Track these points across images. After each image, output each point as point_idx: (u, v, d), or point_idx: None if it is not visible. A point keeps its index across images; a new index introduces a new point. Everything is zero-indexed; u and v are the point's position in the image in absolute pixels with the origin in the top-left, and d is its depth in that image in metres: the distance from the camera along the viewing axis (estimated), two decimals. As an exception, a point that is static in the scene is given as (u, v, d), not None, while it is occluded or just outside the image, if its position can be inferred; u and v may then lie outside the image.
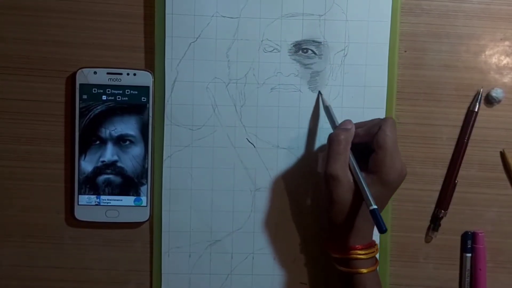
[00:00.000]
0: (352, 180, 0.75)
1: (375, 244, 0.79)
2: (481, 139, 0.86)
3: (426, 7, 0.84)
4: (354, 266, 0.76)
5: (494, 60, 0.85)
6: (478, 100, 0.84)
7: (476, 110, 0.84)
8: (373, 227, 0.77)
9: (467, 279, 0.86)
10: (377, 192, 0.74)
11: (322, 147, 0.84)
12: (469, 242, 0.86)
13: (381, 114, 0.84)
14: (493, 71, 0.85)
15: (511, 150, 0.85)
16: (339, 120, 0.80)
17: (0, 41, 0.82)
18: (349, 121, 0.79)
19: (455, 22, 0.85)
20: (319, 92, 0.83)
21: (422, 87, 0.85)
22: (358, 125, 0.79)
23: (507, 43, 0.85)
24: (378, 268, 0.78)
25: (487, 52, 0.85)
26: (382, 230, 0.71)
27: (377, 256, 0.79)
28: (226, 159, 0.84)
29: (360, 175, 0.74)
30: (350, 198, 0.75)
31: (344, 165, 0.75)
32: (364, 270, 0.76)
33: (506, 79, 0.85)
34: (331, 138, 0.76)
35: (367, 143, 0.77)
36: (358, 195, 0.74)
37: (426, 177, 0.85)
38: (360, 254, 0.76)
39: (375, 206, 0.71)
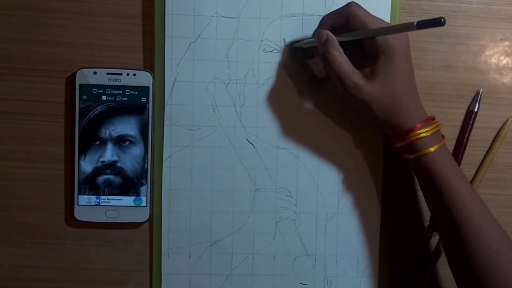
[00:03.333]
0: (364, 75, 0.74)
1: (434, 118, 0.76)
2: (481, 139, 0.86)
3: (426, 7, 0.84)
4: (420, 148, 0.73)
5: (494, 60, 0.85)
6: (478, 100, 0.84)
7: (475, 110, 0.84)
8: (420, 103, 0.76)
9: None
10: (393, 66, 0.73)
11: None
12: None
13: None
14: (493, 71, 0.85)
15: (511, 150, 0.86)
16: None
17: (0, 41, 0.82)
18: (319, 31, 0.77)
19: (455, 22, 0.85)
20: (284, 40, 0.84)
21: (422, 87, 0.84)
22: (325, 19, 0.79)
23: (506, 43, 0.85)
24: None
25: (486, 53, 0.85)
26: (440, 22, 0.61)
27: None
28: (226, 160, 0.84)
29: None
30: (377, 90, 0.73)
31: (351, 70, 0.74)
32: (432, 149, 0.73)
33: (506, 79, 0.85)
34: (325, 59, 0.75)
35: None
36: (380, 82, 0.73)
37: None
38: (422, 132, 0.73)
39: (414, 22, 0.64)
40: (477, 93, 0.85)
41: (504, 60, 0.85)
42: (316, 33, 0.77)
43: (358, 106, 0.76)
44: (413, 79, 0.76)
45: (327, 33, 0.76)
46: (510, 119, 0.85)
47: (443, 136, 0.76)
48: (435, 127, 0.74)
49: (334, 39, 0.75)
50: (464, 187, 0.73)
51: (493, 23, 0.85)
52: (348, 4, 0.76)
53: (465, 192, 0.73)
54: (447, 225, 0.74)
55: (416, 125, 0.73)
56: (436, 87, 0.85)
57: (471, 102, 0.85)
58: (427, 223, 0.86)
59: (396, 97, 0.73)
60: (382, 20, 0.75)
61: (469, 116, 0.85)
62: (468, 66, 0.85)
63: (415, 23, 0.63)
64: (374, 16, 0.75)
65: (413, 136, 0.73)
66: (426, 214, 0.86)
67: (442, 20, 0.61)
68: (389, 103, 0.73)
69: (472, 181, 0.86)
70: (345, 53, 0.75)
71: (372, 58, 0.74)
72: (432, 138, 0.74)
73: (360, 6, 0.76)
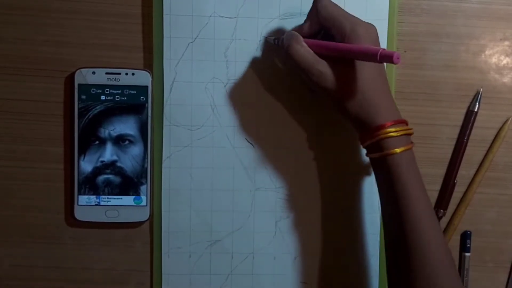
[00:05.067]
0: (335, 65, 0.72)
1: (406, 122, 0.73)
2: (481, 139, 0.85)
3: (425, 7, 0.84)
4: (385, 147, 0.71)
5: (494, 60, 0.85)
6: (478, 100, 0.84)
7: (475, 110, 0.84)
8: (394, 104, 0.74)
9: (466, 279, 0.86)
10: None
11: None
12: (468, 241, 0.86)
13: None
14: (493, 71, 0.85)
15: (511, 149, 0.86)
16: None
17: (0, 41, 0.82)
18: (288, 32, 0.77)
19: (455, 22, 0.85)
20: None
21: (422, 87, 0.85)
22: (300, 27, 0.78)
23: (506, 43, 0.85)
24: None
25: (487, 52, 0.85)
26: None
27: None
28: (225, 159, 0.84)
29: None
30: (344, 78, 0.72)
31: (316, 59, 0.73)
32: (398, 150, 0.70)
33: (506, 79, 0.85)
34: (288, 53, 0.74)
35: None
36: (347, 71, 0.72)
37: (426, 177, 0.84)
38: (392, 131, 0.71)
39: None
40: (477, 93, 0.84)
41: (504, 60, 0.85)
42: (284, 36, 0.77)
43: (325, 96, 0.74)
44: (384, 76, 0.74)
45: (291, 31, 0.77)
46: (510, 118, 0.85)
47: (412, 142, 0.73)
48: (405, 130, 0.72)
49: (297, 34, 0.75)
50: (421, 198, 0.71)
51: (493, 23, 0.85)
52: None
53: (420, 204, 0.71)
54: (395, 231, 0.72)
55: (387, 123, 0.71)
56: (436, 87, 0.85)
57: (471, 102, 0.85)
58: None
59: (366, 91, 0.72)
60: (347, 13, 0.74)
61: (469, 116, 0.85)
62: (468, 66, 0.85)
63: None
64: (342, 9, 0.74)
65: (382, 134, 0.71)
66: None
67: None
68: (359, 95, 0.72)
69: (472, 181, 0.86)
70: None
71: None
72: (401, 140, 0.71)
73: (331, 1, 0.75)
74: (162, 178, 0.84)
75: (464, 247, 0.86)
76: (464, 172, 0.86)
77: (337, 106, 0.74)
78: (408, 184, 0.71)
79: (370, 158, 0.75)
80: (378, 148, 0.72)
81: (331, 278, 0.86)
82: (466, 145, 0.85)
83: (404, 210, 0.70)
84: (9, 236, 0.85)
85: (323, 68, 0.72)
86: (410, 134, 0.73)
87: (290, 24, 0.82)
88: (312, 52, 0.74)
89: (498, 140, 0.85)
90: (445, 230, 0.86)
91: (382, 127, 0.71)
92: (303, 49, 0.74)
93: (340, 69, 0.72)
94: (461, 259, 0.86)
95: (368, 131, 0.72)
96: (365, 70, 0.71)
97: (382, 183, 0.74)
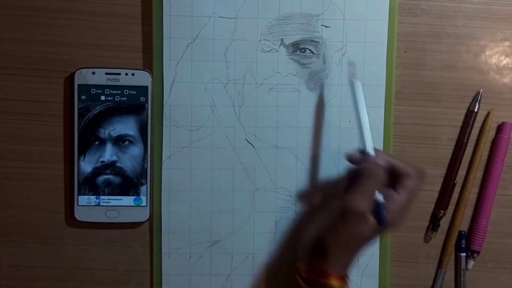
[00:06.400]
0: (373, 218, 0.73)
1: (348, 279, 0.76)
2: (481, 139, 0.85)
3: (426, 7, 0.84)
4: None
5: (494, 60, 0.85)
6: (478, 101, 0.84)
7: (475, 110, 0.84)
8: (352, 260, 0.76)
9: (463, 279, 0.86)
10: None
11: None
12: (463, 241, 0.86)
13: (380, 113, 0.83)
14: (493, 71, 0.85)
15: (510, 149, 0.86)
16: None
17: (0, 41, 0.82)
18: (383, 154, 0.77)
19: (455, 22, 0.85)
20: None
21: (422, 87, 0.85)
22: (387, 157, 0.77)
23: (507, 43, 0.85)
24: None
25: (487, 53, 0.85)
26: (381, 224, 0.72)
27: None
28: (225, 160, 0.84)
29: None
30: (368, 234, 0.74)
31: (370, 203, 0.73)
32: None
33: (506, 79, 0.85)
34: (365, 173, 0.74)
35: None
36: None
37: (426, 177, 0.85)
38: (334, 282, 0.73)
39: (382, 201, 0.73)
40: (477, 93, 0.84)
41: (504, 60, 0.85)
42: (380, 152, 0.78)
43: (346, 227, 0.74)
44: (369, 237, 0.75)
45: (386, 159, 0.76)
46: (492, 112, 0.85)
47: None
48: (345, 286, 0.74)
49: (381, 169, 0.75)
50: None
51: (494, 23, 0.85)
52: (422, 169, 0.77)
53: None
54: None
55: (336, 274, 0.73)
56: (436, 87, 0.85)
57: (471, 102, 0.85)
58: (427, 223, 0.86)
59: (342, 240, 0.74)
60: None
61: (469, 116, 0.85)
62: (468, 66, 0.85)
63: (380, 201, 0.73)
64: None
65: (324, 279, 0.73)
66: (427, 214, 0.86)
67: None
68: (338, 237, 0.74)
69: (466, 180, 0.86)
70: None
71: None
72: None
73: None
74: (162, 179, 0.84)
75: (459, 247, 0.86)
76: (464, 173, 0.85)
77: (337, 240, 0.74)
78: None
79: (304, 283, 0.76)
80: (313, 285, 0.74)
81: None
82: (466, 146, 0.85)
83: None
84: (9, 236, 0.85)
85: (363, 207, 0.73)
86: None
87: (288, 24, 0.82)
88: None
89: (483, 136, 0.85)
90: (448, 231, 0.86)
91: (328, 275, 0.73)
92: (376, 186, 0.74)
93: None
94: (457, 259, 0.87)
95: (315, 269, 0.74)
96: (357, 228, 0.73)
97: None
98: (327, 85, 0.84)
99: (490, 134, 0.85)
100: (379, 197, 0.73)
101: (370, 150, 0.77)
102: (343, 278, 0.74)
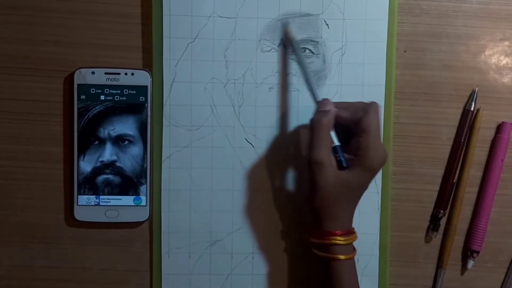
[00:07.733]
0: (336, 165, 0.75)
1: (354, 232, 0.78)
2: (480, 138, 0.85)
3: (425, 7, 0.84)
4: (332, 252, 0.76)
5: (493, 60, 0.85)
6: (474, 99, 0.84)
7: (471, 109, 0.84)
8: (353, 215, 0.78)
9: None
10: (359, 176, 0.75)
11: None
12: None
13: (380, 113, 0.83)
14: (493, 71, 0.85)
15: (510, 149, 0.86)
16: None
17: (0, 41, 0.83)
18: (327, 100, 0.78)
19: (455, 22, 0.85)
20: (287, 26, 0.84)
21: (422, 87, 0.85)
22: (340, 106, 0.78)
23: (506, 43, 0.85)
24: (355, 259, 0.79)
25: (486, 52, 0.85)
26: (342, 167, 0.75)
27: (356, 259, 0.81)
28: (225, 159, 0.84)
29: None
30: (334, 184, 0.74)
31: (327, 150, 0.75)
32: (342, 257, 0.76)
33: (505, 79, 0.85)
34: (313, 123, 0.76)
35: (348, 125, 0.78)
36: (341, 181, 0.75)
37: (426, 177, 0.85)
38: (339, 240, 0.75)
39: (338, 144, 0.76)
40: (473, 92, 0.84)
41: (504, 60, 0.85)
42: (324, 100, 0.78)
43: (312, 180, 0.76)
44: (365, 186, 0.78)
45: (332, 105, 0.78)
46: (481, 109, 0.85)
47: (354, 249, 0.78)
48: (350, 239, 0.77)
49: (333, 112, 0.77)
50: None
51: (493, 23, 0.85)
52: (373, 102, 0.77)
53: None
54: None
55: (337, 231, 0.76)
56: (435, 87, 0.85)
57: (467, 101, 0.85)
58: (427, 223, 0.86)
59: (339, 202, 0.76)
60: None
61: (466, 115, 0.84)
62: (467, 66, 0.85)
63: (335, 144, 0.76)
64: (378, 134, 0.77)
65: (330, 240, 0.76)
66: (427, 214, 0.86)
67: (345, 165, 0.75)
68: (330, 197, 0.76)
69: (460, 179, 0.86)
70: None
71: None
72: (346, 248, 0.76)
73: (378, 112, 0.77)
74: (161, 178, 0.84)
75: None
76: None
77: (312, 197, 0.76)
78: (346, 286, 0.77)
79: (315, 254, 0.79)
80: (325, 249, 0.77)
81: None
82: (463, 145, 0.85)
83: None
84: (9, 236, 0.85)
85: (327, 160, 0.75)
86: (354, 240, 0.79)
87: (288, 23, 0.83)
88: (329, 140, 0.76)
89: (474, 133, 0.85)
90: (445, 230, 0.86)
91: (332, 234, 0.76)
92: (326, 133, 0.76)
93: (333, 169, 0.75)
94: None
95: (320, 232, 0.77)
96: (351, 178, 0.75)
97: (323, 279, 0.78)
98: (326, 84, 0.84)
99: (487, 133, 0.86)
100: (335, 140, 0.75)
101: (317, 99, 0.79)
102: (346, 233, 0.77)
